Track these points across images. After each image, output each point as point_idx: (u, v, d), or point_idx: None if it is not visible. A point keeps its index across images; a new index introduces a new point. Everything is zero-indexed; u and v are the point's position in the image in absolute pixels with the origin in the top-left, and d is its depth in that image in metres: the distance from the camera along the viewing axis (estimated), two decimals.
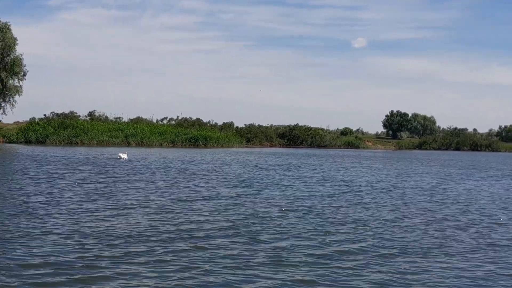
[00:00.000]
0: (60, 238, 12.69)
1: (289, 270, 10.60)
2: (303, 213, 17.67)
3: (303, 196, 22.74)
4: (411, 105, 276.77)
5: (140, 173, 31.34)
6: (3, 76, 76.01)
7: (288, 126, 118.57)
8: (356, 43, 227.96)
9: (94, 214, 16.27)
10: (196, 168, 37.80)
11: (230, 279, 9.83)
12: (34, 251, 11.41)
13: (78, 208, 17.25)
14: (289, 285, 9.63)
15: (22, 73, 78.81)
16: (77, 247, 11.86)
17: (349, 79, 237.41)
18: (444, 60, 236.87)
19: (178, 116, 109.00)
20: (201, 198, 20.73)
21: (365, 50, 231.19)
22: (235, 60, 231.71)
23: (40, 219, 15.00)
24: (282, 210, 18.27)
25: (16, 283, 9.23)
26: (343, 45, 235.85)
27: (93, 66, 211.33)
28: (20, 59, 77.50)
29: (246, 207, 18.71)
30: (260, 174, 34.22)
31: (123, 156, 45.86)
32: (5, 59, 76.63)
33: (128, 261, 10.88)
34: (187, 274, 10.07)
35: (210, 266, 10.69)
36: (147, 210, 17.37)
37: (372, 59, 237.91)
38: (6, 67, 76.45)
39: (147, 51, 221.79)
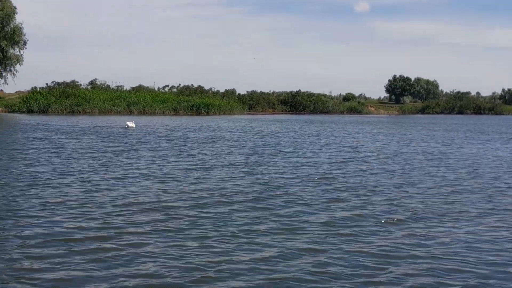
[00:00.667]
0: (77, 206, 12.63)
1: (299, 238, 10.51)
2: (312, 180, 17.56)
3: (310, 163, 22.62)
4: (413, 69, 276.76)
5: (153, 142, 31.14)
6: (3, 45, 75.58)
7: (290, 92, 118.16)
8: (357, 7, 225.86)
9: (115, 184, 16.19)
10: (207, 136, 37.74)
11: (239, 247, 9.75)
12: (41, 221, 11.34)
13: (100, 178, 17.18)
14: (297, 253, 9.52)
15: (23, 42, 78.39)
16: (96, 216, 11.79)
17: (351, 44, 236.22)
18: (446, 23, 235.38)
19: (179, 84, 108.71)
20: (216, 166, 20.64)
21: (366, 14, 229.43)
22: (235, 26, 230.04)
23: (58, 188, 14.95)
24: (289, 178, 18.14)
25: (19, 255, 9.16)
26: (344, 9, 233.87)
27: (94, 35, 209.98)
28: (20, 28, 77.01)
29: (257, 175, 18.62)
30: (266, 141, 34.11)
31: (131, 124, 45.34)
32: (5, 28, 76.11)
33: (139, 230, 10.81)
34: (192, 244, 9.99)
35: (218, 233, 10.61)
36: (163, 179, 17.25)
37: (374, 23, 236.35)
38: (6, 36, 75.98)
39: (146, 18, 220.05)
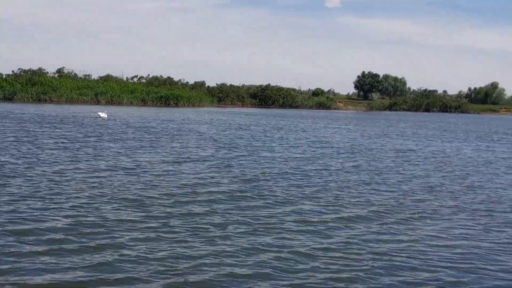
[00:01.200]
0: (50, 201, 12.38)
1: (283, 238, 10.47)
2: (288, 177, 17.49)
3: (286, 158, 22.62)
4: (382, 66, 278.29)
5: (125, 133, 30.85)
6: None
7: (260, 86, 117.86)
8: (328, 2, 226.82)
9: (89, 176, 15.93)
10: (178, 128, 37.49)
11: (216, 248, 9.67)
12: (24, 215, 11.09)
13: (74, 171, 16.87)
14: (287, 258, 9.45)
15: None
16: (65, 207, 11.58)
17: (321, 39, 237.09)
18: (416, 22, 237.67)
19: (148, 75, 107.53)
20: (191, 160, 20.52)
21: (337, 10, 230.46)
22: (208, 19, 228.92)
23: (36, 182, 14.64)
24: (265, 173, 18.08)
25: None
26: (316, 5, 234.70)
27: (62, 24, 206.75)
28: None
29: (231, 169, 18.53)
30: (239, 135, 34.05)
31: (102, 115, 44.45)
32: None
33: (108, 224, 10.65)
34: (166, 236, 9.88)
35: (190, 227, 10.52)
36: (138, 171, 17.09)
37: (345, 20, 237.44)
38: None
39: (117, 8, 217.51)
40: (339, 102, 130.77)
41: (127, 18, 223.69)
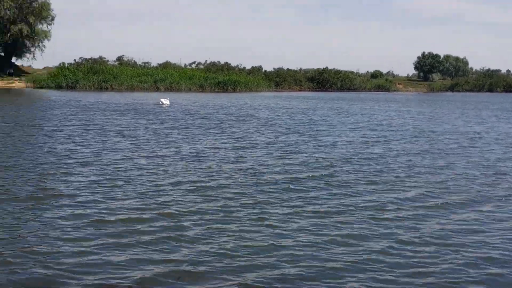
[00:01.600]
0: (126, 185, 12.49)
1: (342, 224, 10.22)
2: (356, 163, 17.06)
3: (357, 143, 22.23)
4: (443, 46, 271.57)
5: (192, 120, 30.90)
6: (31, 21, 75.91)
7: (318, 69, 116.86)
8: None
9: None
10: (237, 113, 37.56)
11: (283, 230, 9.50)
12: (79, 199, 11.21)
13: (141, 156, 17.05)
14: (338, 241, 9.23)
15: (50, 17, 78.75)
16: (134, 196, 11.65)
17: (378, 20, 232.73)
18: (476, 0, 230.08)
19: (206, 61, 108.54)
20: (254, 145, 20.44)
21: None
22: (260, 2, 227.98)
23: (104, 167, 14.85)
24: (332, 160, 17.77)
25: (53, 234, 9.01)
26: None
27: (120, 10, 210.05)
28: (48, 3, 77.25)
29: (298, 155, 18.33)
30: (299, 119, 33.81)
31: (165, 102, 44.48)
32: (33, 3, 76.33)
33: (176, 211, 10.61)
34: (230, 227, 9.76)
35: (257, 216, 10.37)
36: (203, 158, 17.07)
37: (402, 0, 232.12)
38: (34, 12, 76.22)
39: None
40: (398, 84, 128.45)
41: (181, 2, 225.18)
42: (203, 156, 17.35)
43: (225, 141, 21.58)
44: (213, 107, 44.23)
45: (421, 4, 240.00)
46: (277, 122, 30.65)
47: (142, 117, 32.11)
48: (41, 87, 75.04)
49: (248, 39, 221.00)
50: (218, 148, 19.40)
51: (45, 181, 12.94)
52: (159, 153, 17.80)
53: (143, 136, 22.39)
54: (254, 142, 21.14)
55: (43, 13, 76.58)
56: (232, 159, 17.02)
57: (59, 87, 75.14)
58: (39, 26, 78.17)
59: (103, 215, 10.21)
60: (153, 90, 79.04)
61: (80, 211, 10.40)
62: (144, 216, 10.19)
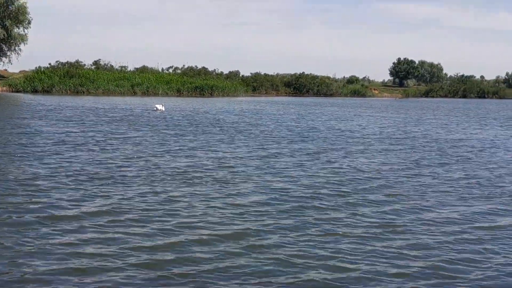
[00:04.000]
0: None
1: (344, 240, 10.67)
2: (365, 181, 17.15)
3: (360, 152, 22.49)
4: (418, 52, 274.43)
5: (195, 127, 30.38)
6: (8, 24, 75.41)
7: (294, 74, 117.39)
8: None
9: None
10: (230, 119, 37.63)
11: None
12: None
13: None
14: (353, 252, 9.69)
15: (27, 21, 78.18)
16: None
17: (354, 25, 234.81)
18: (451, 6, 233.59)
19: (184, 65, 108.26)
20: (269, 154, 20.56)
21: None
22: (239, 7, 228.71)
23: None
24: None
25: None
26: None
27: (96, 13, 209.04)
28: (25, 7, 76.74)
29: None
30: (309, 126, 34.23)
31: (160, 107, 43.06)
32: (10, 7, 75.92)
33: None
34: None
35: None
36: (227, 167, 17.15)
37: (378, 5, 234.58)
38: (11, 15, 75.78)
39: None
40: (374, 89, 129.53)
41: (159, 5, 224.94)
42: (225, 165, 17.40)
43: (242, 148, 21.77)
44: (209, 112, 43.95)
45: (397, 9, 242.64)
46: (285, 129, 30.99)
47: (143, 125, 30.99)
48: (17, 91, 74.55)
49: (225, 44, 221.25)
50: (238, 156, 19.46)
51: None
52: (180, 162, 17.72)
53: (152, 146, 21.64)
54: (271, 149, 21.51)
55: (20, 17, 76.10)
56: (255, 166, 17.35)
57: (34, 90, 74.67)
58: (16, 30, 77.67)
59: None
60: (130, 94, 78.96)
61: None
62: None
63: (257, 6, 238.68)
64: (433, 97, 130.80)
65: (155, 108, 43.33)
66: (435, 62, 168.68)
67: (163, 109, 43.18)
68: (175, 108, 48.15)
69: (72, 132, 26.19)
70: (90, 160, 17.73)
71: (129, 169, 16.26)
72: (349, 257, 9.07)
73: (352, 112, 54.10)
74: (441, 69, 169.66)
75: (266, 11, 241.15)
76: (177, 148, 21.53)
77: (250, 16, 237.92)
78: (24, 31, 78.88)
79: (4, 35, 75.58)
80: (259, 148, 22.22)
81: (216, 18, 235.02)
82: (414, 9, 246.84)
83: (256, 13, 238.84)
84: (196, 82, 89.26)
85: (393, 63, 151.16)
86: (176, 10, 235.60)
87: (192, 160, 18.30)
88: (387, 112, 57.14)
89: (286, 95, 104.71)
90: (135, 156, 18.93)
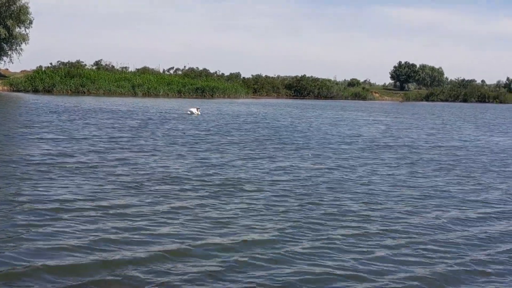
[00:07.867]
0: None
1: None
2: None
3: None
4: (419, 56, 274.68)
5: (237, 132, 28.93)
6: (9, 24, 75.52)
7: (295, 77, 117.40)
8: None
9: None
10: (290, 125, 36.37)
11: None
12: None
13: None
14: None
15: (28, 21, 78.35)
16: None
17: (356, 29, 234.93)
18: (453, 11, 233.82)
19: (185, 66, 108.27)
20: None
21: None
22: (240, 9, 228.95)
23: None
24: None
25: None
26: None
27: (98, 14, 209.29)
28: (26, 7, 76.92)
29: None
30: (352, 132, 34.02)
31: (195, 111, 40.58)
32: (11, 7, 76.04)
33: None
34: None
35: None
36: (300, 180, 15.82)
37: (379, 9, 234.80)
38: (12, 15, 75.91)
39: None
40: (375, 92, 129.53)
41: (160, 7, 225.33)
42: (299, 177, 16.18)
43: (303, 158, 20.25)
44: (244, 115, 42.94)
45: (399, 14, 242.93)
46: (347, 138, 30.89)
47: (187, 131, 28.42)
48: (18, 90, 74.53)
49: (227, 46, 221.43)
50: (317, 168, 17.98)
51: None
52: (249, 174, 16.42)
53: (213, 157, 19.75)
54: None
55: (21, 17, 76.21)
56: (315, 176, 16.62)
57: (35, 90, 74.62)
58: (17, 30, 77.75)
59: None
60: (131, 95, 78.94)
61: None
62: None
63: (260, 9, 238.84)
64: (433, 101, 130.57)
65: (189, 112, 41.09)
66: (436, 66, 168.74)
67: (199, 112, 40.76)
68: (207, 112, 45.09)
69: (122, 136, 24.71)
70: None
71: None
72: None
73: (398, 119, 53.95)
74: (442, 73, 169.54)
75: (268, 14, 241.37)
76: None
77: (252, 19, 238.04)
78: (25, 30, 79.08)
79: (5, 34, 75.69)
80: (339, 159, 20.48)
81: (217, 20, 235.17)
82: (416, 13, 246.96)
83: (258, 16, 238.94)
84: (197, 83, 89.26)
85: (394, 67, 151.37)
86: (178, 12, 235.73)
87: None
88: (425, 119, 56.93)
89: (287, 97, 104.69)
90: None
